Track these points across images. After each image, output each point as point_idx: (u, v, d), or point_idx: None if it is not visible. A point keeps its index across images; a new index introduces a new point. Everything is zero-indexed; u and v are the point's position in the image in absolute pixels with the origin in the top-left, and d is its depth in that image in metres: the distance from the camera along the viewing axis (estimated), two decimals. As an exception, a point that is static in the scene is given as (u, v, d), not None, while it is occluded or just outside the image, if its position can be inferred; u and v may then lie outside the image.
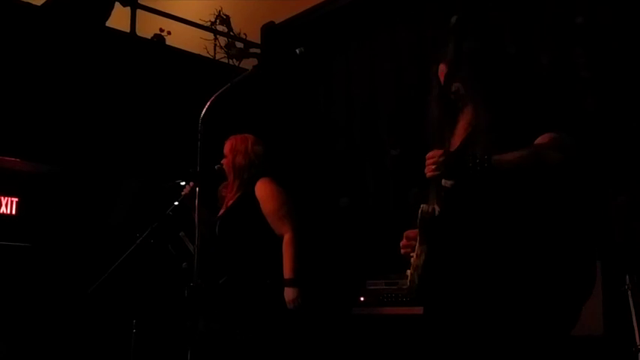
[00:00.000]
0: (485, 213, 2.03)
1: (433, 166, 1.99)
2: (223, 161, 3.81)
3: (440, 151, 1.99)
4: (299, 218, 3.66)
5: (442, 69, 2.32)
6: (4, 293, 4.74)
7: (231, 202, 3.78)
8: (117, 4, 5.80)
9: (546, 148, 1.98)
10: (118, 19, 5.80)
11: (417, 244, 2.12)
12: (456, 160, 1.98)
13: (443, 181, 2.03)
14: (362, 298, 4.35)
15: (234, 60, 6.24)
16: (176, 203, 3.68)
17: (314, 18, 5.90)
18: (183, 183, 3.75)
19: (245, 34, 6.38)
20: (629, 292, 3.37)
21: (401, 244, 2.26)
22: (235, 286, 3.63)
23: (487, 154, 1.92)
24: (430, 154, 2.01)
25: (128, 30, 5.79)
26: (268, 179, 3.73)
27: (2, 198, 5.28)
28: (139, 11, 5.91)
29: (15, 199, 5.33)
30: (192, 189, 3.63)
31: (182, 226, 3.81)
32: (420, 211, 2.08)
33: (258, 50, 6.35)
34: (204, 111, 3.07)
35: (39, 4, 5.38)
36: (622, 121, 3.96)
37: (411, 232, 2.20)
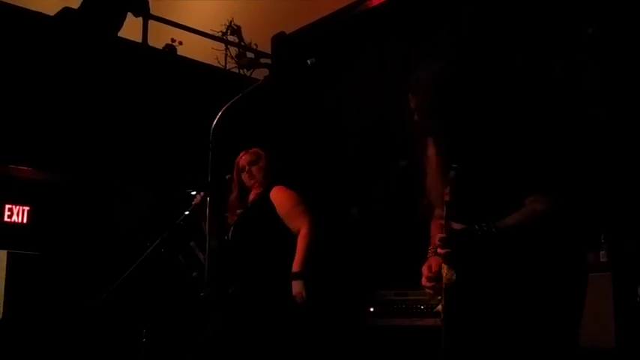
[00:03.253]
0: (509, 266, 2.14)
1: (444, 250, 2.10)
2: (242, 175, 3.86)
3: (446, 236, 2.08)
4: (315, 216, 3.68)
5: (414, 102, 2.35)
6: (16, 301, 4.76)
7: (243, 209, 3.80)
8: (129, 14, 5.85)
9: (541, 210, 2.10)
10: (130, 29, 5.84)
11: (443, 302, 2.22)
12: (464, 237, 2.08)
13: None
14: (371, 309, 4.34)
15: (244, 70, 6.26)
16: (187, 213, 3.69)
17: (325, 28, 5.92)
18: (194, 193, 3.76)
19: (256, 44, 6.41)
20: (641, 305, 3.36)
21: (423, 284, 2.30)
22: (246, 295, 3.63)
23: (492, 223, 2.05)
24: (440, 236, 2.11)
25: (140, 40, 5.83)
26: (282, 186, 3.79)
27: (14, 207, 5.31)
28: (150, 21, 5.96)
29: (26, 208, 5.37)
30: (203, 199, 3.64)
31: (192, 236, 3.83)
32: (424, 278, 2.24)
33: (268, 60, 6.37)
34: (215, 121, 3.08)
35: (52, 15, 5.43)
36: (632, 132, 3.94)
37: (427, 269, 2.27)
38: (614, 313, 3.49)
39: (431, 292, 2.27)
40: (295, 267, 3.50)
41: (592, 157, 4.03)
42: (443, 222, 2.09)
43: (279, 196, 3.72)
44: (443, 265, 2.17)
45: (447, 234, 2.07)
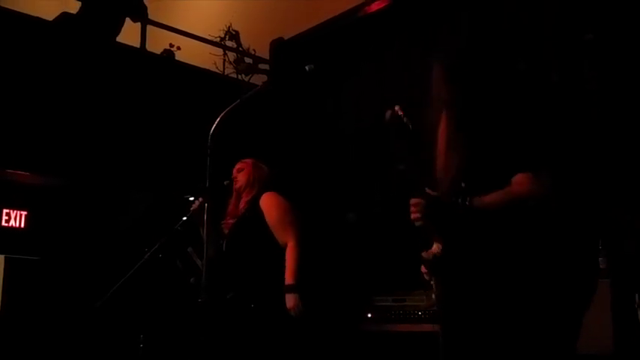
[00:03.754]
0: (484, 245, 2.10)
1: (417, 214, 2.11)
2: (239, 177, 3.86)
3: (420, 200, 2.09)
4: (303, 228, 3.67)
5: (435, 70, 2.36)
6: (14, 306, 4.75)
7: (237, 217, 3.79)
8: (127, 19, 5.85)
9: (521, 192, 2.06)
10: (129, 34, 5.84)
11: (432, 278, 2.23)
12: (438, 206, 2.08)
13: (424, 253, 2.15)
14: (369, 315, 4.34)
15: (243, 75, 6.27)
16: (184, 219, 3.69)
17: (323, 34, 5.93)
18: (192, 198, 3.75)
19: (254, 49, 6.42)
20: (639, 311, 3.35)
21: (422, 270, 2.29)
22: (243, 302, 3.62)
23: (469, 198, 2.03)
24: (413, 201, 2.13)
25: (138, 45, 5.83)
26: (272, 192, 3.77)
27: (11, 211, 5.30)
28: (149, 27, 5.96)
29: (24, 213, 5.36)
30: (201, 204, 3.64)
31: (190, 242, 3.82)
32: (421, 259, 2.20)
33: (267, 66, 6.38)
34: (213, 127, 3.08)
35: (50, 20, 5.43)
36: (631, 135, 3.95)
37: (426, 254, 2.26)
38: (612, 319, 3.49)
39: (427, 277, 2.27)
40: (288, 280, 3.49)
41: (591, 150, 4.03)
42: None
43: (267, 205, 3.70)
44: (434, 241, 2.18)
45: (420, 199, 2.08)
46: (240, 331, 3.57)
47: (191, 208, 3.72)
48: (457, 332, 2.19)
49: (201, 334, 3.22)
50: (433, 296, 2.27)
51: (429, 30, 5.14)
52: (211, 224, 3.23)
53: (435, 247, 2.18)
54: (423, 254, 2.20)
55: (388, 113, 2.07)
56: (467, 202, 2.02)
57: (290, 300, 3.45)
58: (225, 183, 3.83)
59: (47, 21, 5.34)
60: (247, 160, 3.94)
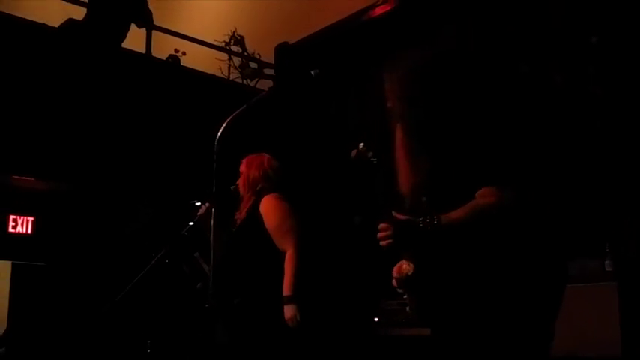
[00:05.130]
0: (455, 261, 2.11)
1: (386, 241, 2.10)
2: (239, 181, 3.82)
3: (388, 226, 2.08)
4: (303, 234, 3.61)
5: (386, 81, 2.37)
6: (21, 312, 4.76)
7: (242, 217, 3.77)
8: (133, 25, 5.87)
9: (487, 204, 2.06)
10: (134, 40, 5.86)
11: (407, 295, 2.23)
12: (407, 229, 2.07)
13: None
14: (376, 319, 4.33)
15: (248, 80, 6.28)
16: (191, 224, 3.68)
17: (327, 38, 5.93)
18: (198, 204, 3.75)
19: (259, 54, 6.43)
20: (647, 314, 3.34)
21: (393, 284, 2.29)
22: (248, 306, 3.61)
23: (436, 216, 2.03)
24: (382, 226, 2.11)
25: (144, 51, 5.85)
26: (273, 195, 3.70)
27: (18, 217, 5.32)
28: (154, 32, 5.98)
29: (31, 219, 5.38)
30: (208, 210, 3.63)
31: (197, 247, 3.82)
32: (393, 277, 2.22)
33: (272, 71, 6.39)
34: (220, 132, 3.08)
35: (56, 26, 5.45)
36: (635, 140, 3.94)
37: (397, 270, 2.26)
38: (620, 323, 3.48)
39: (401, 291, 2.26)
40: (285, 291, 3.44)
41: (563, 159, 4.04)
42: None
43: (265, 210, 3.63)
44: (402, 260, 2.18)
45: (388, 224, 2.07)
46: (248, 334, 3.56)
47: (198, 213, 3.72)
48: (441, 343, 2.21)
49: (209, 338, 3.22)
50: (408, 309, 2.27)
51: (433, 33, 5.14)
52: (218, 229, 3.23)
53: (406, 266, 2.18)
54: (395, 274, 2.21)
55: (354, 152, 2.09)
56: (435, 222, 2.02)
57: (288, 311, 3.42)
58: (231, 188, 3.82)
59: (53, 27, 5.37)
60: (243, 161, 3.88)
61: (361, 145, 2.05)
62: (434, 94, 2.24)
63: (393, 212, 2.07)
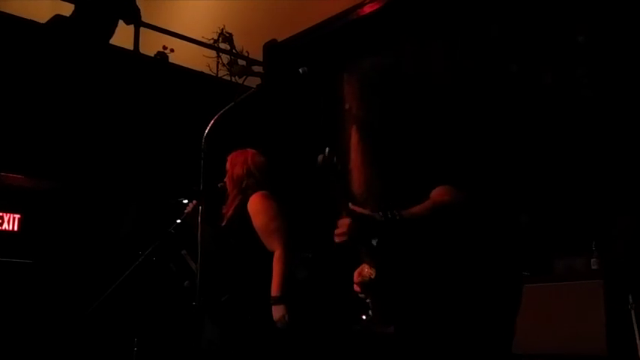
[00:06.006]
0: (413, 264, 2.11)
1: (342, 237, 2.05)
2: (226, 178, 3.81)
3: (348, 221, 2.03)
4: (291, 234, 3.60)
5: (345, 83, 2.35)
6: (6, 310, 4.73)
7: (229, 215, 3.75)
8: (121, 22, 5.85)
9: (443, 201, 2.06)
10: (122, 36, 5.84)
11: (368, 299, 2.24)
12: (365, 223, 2.03)
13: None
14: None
15: (236, 77, 6.26)
16: (178, 221, 3.67)
17: (316, 36, 5.94)
18: (185, 201, 3.73)
19: (247, 51, 6.41)
20: (633, 312, 3.37)
21: (355, 289, 2.29)
22: (235, 304, 3.61)
23: (396, 211, 2.01)
24: (341, 221, 2.06)
25: (132, 47, 5.83)
26: (262, 193, 3.66)
27: (4, 215, 5.29)
28: (142, 29, 5.96)
29: (17, 216, 5.35)
30: (195, 207, 3.62)
31: (184, 245, 3.81)
32: (355, 282, 2.20)
33: (260, 68, 6.38)
34: (207, 129, 3.07)
35: (43, 22, 5.42)
36: (623, 142, 3.97)
37: (358, 274, 2.26)
38: (605, 320, 3.50)
39: (362, 296, 2.25)
40: (274, 291, 3.42)
41: (517, 160, 4.07)
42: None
43: (254, 208, 3.61)
44: (363, 264, 2.17)
45: (347, 218, 2.02)
46: (233, 336, 3.56)
47: (185, 211, 3.71)
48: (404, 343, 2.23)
49: (196, 336, 3.21)
50: (370, 312, 2.27)
51: (422, 32, 5.15)
52: (206, 227, 3.22)
53: (368, 271, 2.17)
54: (356, 279, 2.20)
55: (320, 157, 2.08)
56: (395, 216, 2.00)
57: (276, 312, 3.40)
58: (218, 185, 3.80)
59: (40, 23, 5.33)
60: (229, 158, 3.84)
61: (327, 149, 2.04)
62: (389, 96, 2.25)
63: (350, 206, 2.01)
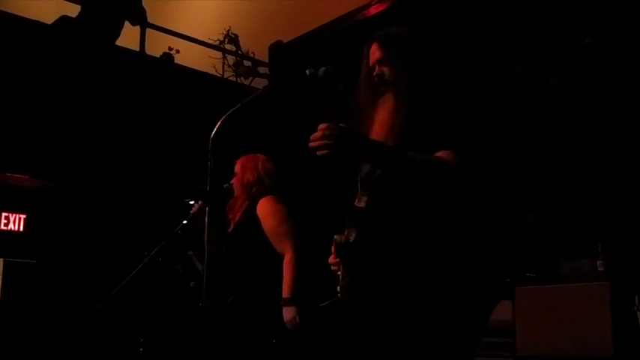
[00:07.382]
0: (396, 236, 2.06)
1: (325, 142, 1.92)
2: (233, 179, 3.81)
3: (335, 125, 1.90)
4: (300, 237, 3.60)
5: (373, 49, 2.33)
6: (13, 310, 4.74)
7: (237, 220, 3.76)
8: (126, 23, 5.86)
9: (443, 161, 2.02)
10: (128, 37, 5.85)
11: (341, 267, 2.13)
12: (350, 136, 1.93)
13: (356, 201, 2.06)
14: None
15: (242, 78, 6.27)
16: (185, 222, 3.67)
17: (322, 37, 5.94)
18: (192, 202, 3.74)
19: (253, 52, 6.41)
20: (639, 313, 3.36)
21: (330, 261, 2.22)
22: (243, 305, 3.61)
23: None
24: (322, 125, 1.91)
25: (137, 48, 5.84)
26: (270, 197, 3.68)
27: (10, 215, 5.31)
28: (148, 30, 5.97)
29: (23, 216, 5.36)
30: (201, 208, 3.62)
31: (190, 245, 3.81)
32: (334, 241, 2.10)
33: (266, 69, 6.39)
34: (214, 130, 3.07)
35: (49, 23, 5.43)
36: (628, 143, 3.96)
37: (337, 237, 2.18)
38: (611, 322, 3.50)
39: (335, 268, 2.17)
40: (285, 293, 3.44)
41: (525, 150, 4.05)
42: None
43: (263, 212, 3.62)
44: (347, 230, 2.09)
45: (333, 124, 1.90)
46: (239, 337, 3.56)
47: (191, 212, 3.71)
48: (360, 326, 2.13)
49: (201, 338, 3.21)
50: (338, 288, 2.16)
51: (427, 33, 5.15)
52: (212, 228, 3.22)
53: (347, 232, 2.09)
54: (336, 237, 2.09)
55: (321, 70, 2.02)
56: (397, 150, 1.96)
57: (287, 313, 3.41)
58: (225, 186, 3.80)
59: (46, 24, 5.35)
60: (238, 161, 3.85)
61: (331, 65, 1.99)
62: (422, 58, 2.25)
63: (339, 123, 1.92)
